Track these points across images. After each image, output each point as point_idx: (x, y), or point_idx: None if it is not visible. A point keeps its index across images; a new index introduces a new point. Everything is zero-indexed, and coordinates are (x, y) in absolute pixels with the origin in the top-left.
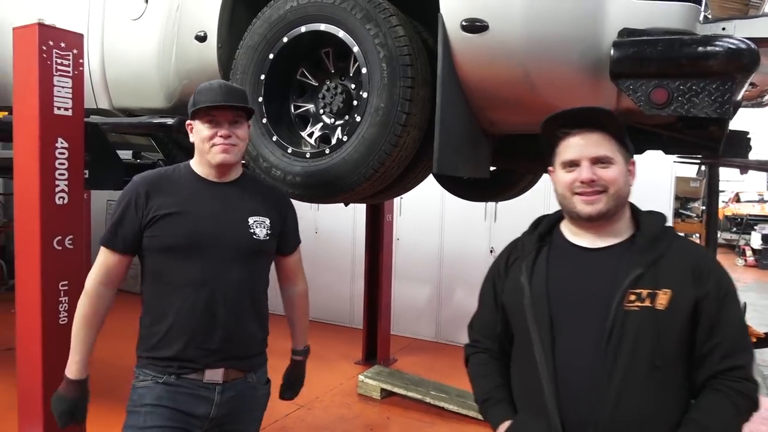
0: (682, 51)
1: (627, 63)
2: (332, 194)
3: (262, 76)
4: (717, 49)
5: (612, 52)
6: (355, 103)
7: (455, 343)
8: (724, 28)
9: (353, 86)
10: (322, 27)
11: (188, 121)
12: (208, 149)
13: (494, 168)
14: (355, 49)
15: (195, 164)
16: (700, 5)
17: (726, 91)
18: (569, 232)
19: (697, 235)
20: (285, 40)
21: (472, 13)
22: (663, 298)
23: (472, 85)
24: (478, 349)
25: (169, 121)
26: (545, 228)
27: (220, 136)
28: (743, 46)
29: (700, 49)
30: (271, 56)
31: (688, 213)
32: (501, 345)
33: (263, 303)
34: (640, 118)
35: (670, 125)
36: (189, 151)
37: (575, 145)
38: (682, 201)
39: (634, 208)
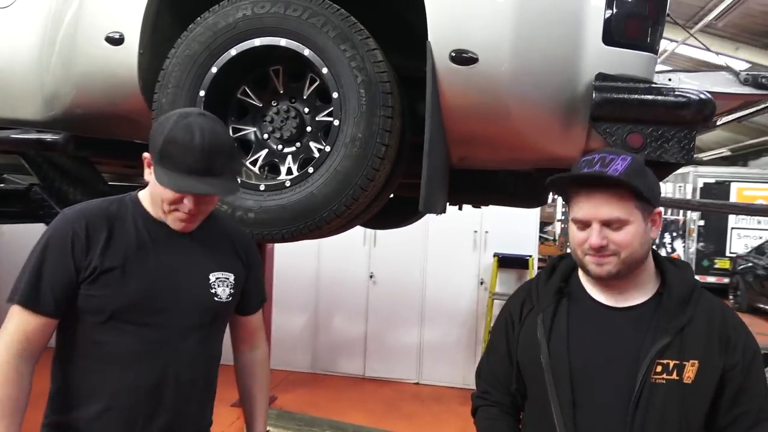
0: (659, 99)
1: (608, 107)
2: (295, 233)
3: (202, 93)
4: (689, 99)
5: (594, 95)
6: (308, 129)
7: (333, 373)
8: (670, 80)
9: (306, 110)
10: (282, 42)
11: (146, 156)
12: (167, 211)
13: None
14: (324, 70)
15: (147, 202)
16: (656, 55)
17: (691, 139)
18: (588, 283)
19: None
20: (233, 53)
21: (461, 44)
22: (690, 371)
23: (454, 119)
24: (487, 402)
25: (52, 137)
26: (562, 277)
27: (185, 212)
28: (705, 97)
29: (675, 98)
30: (214, 70)
31: (545, 236)
32: (513, 399)
33: (216, 378)
34: None
35: None
36: (68, 173)
37: (584, 206)
38: (540, 225)
39: (657, 257)
